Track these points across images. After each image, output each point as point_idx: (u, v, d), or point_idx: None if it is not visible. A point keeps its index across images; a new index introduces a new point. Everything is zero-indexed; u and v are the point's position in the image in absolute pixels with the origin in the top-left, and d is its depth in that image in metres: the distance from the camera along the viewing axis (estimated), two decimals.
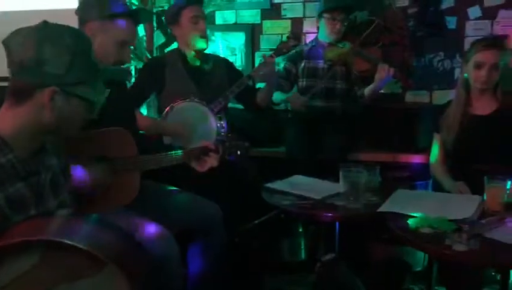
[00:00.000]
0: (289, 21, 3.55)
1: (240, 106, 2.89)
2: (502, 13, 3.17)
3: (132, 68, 3.26)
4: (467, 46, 2.31)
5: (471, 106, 2.24)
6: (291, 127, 3.08)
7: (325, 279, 2.17)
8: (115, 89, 1.89)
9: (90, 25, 1.81)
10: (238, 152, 2.08)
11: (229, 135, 2.17)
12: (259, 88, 2.73)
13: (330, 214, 1.94)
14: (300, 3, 3.54)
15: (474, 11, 3.22)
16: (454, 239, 1.52)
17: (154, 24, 3.38)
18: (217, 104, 2.53)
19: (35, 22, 1.23)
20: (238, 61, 3.67)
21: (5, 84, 1.23)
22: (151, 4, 3.34)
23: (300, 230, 2.78)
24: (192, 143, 2.08)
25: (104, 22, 1.81)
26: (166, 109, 2.51)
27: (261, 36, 3.63)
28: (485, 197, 1.83)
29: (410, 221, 1.70)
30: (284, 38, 2.68)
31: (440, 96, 3.28)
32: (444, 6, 3.26)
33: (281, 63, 3.26)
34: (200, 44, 2.61)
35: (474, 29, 3.21)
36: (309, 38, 3.42)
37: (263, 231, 2.69)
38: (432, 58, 3.33)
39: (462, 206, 1.81)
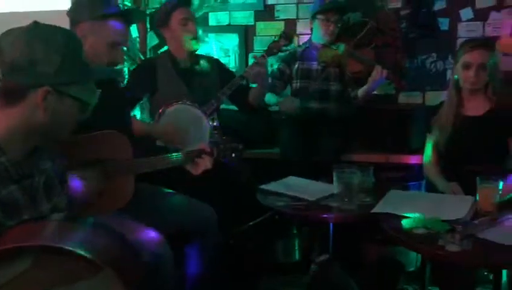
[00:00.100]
0: (282, 22, 3.56)
1: (234, 108, 2.89)
2: (493, 15, 3.20)
3: (125, 69, 3.25)
4: (462, 45, 2.34)
5: (463, 106, 2.25)
6: (285, 128, 3.09)
7: (319, 280, 2.17)
8: (108, 89, 1.88)
9: (82, 26, 1.80)
10: (233, 154, 2.09)
11: (224, 137, 2.17)
12: (251, 88, 2.74)
13: (324, 215, 1.95)
14: (294, 5, 3.54)
15: (466, 13, 3.24)
16: (447, 240, 1.53)
17: (148, 25, 3.37)
18: (210, 106, 2.53)
19: (26, 23, 1.23)
20: (231, 62, 3.67)
21: None
22: (144, 5, 3.33)
23: (295, 231, 2.78)
24: (185, 146, 2.07)
25: (96, 22, 1.81)
26: (159, 112, 2.49)
27: (254, 38, 3.64)
28: (477, 198, 1.84)
29: (403, 222, 1.71)
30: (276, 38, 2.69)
31: (433, 97, 3.30)
32: (436, 7, 3.28)
33: (274, 64, 3.27)
34: (191, 46, 2.61)
35: (466, 30, 3.24)
36: (302, 39, 3.43)
37: (258, 233, 2.69)
38: (424, 59, 3.35)
39: (455, 206, 1.82)
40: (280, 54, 2.87)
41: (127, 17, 1.91)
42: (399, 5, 3.34)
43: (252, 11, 3.62)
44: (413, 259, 2.56)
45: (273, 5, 3.58)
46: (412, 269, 2.59)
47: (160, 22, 2.65)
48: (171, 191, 2.11)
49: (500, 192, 1.81)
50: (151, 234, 1.77)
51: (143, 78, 2.60)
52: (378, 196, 2.00)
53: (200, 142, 2.16)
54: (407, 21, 3.33)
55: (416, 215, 1.72)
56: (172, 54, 2.65)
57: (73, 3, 1.98)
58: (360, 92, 2.95)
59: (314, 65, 3.09)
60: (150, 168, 1.88)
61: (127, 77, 3.05)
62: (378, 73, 2.81)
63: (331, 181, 2.01)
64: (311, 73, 3.10)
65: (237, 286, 2.46)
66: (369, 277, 2.50)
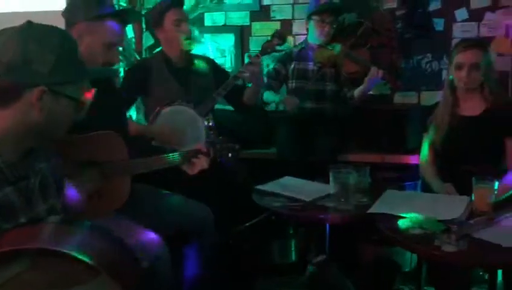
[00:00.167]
0: (278, 23, 3.56)
1: (230, 108, 2.89)
2: (488, 15, 3.21)
3: (121, 70, 3.24)
4: (455, 46, 2.35)
5: (459, 106, 2.25)
6: (281, 128, 3.09)
7: (316, 280, 2.18)
8: (104, 89, 1.87)
9: (78, 26, 1.79)
10: (229, 154, 2.09)
11: (220, 137, 2.16)
12: (246, 87, 2.74)
13: (321, 216, 1.95)
14: (289, 5, 3.55)
15: (461, 13, 3.26)
16: (443, 240, 1.53)
17: (143, 25, 3.37)
18: (205, 106, 2.52)
19: (20, 23, 1.22)
20: (227, 62, 3.67)
21: None
22: (139, 6, 3.32)
23: (291, 232, 2.78)
24: (182, 146, 2.07)
25: (91, 23, 1.80)
26: (155, 111, 2.49)
27: (250, 38, 3.64)
28: (473, 198, 1.84)
29: (399, 222, 1.71)
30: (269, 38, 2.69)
31: (428, 97, 3.31)
32: (431, 8, 3.30)
33: (270, 64, 3.28)
34: (185, 46, 2.61)
35: (462, 31, 3.25)
36: (298, 40, 3.43)
37: (254, 233, 2.69)
38: (419, 59, 3.37)
39: (450, 206, 1.83)
40: (275, 54, 2.88)
41: (122, 17, 1.90)
42: (394, 5, 3.35)
43: (248, 12, 3.62)
44: (409, 259, 2.57)
45: (268, 6, 3.58)
46: (408, 269, 2.59)
47: (153, 23, 2.65)
48: (167, 191, 2.11)
49: (496, 192, 1.82)
50: (148, 235, 1.76)
51: (137, 79, 2.59)
52: (374, 196, 2.00)
53: (196, 142, 2.16)
54: (403, 21, 3.34)
55: (413, 215, 1.72)
56: (167, 55, 2.65)
57: (68, 4, 1.98)
58: (356, 92, 2.97)
59: (310, 65, 3.10)
60: (146, 168, 1.88)
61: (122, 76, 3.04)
62: (375, 73, 2.82)
63: (327, 181, 2.02)
64: (307, 73, 3.10)
65: (234, 286, 2.46)
66: (365, 277, 2.50)
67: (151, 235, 1.76)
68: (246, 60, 3.56)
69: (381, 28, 3.32)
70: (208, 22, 3.70)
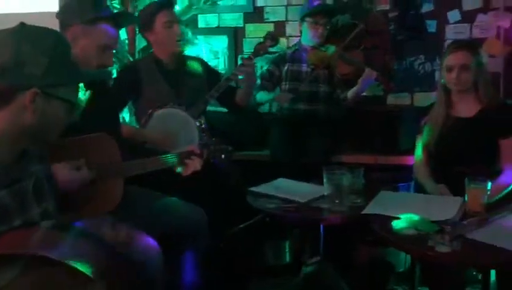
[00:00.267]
0: (272, 24, 3.57)
1: (222, 109, 2.89)
2: (480, 17, 3.23)
3: (114, 71, 3.23)
4: (446, 48, 2.37)
5: (453, 108, 2.26)
6: (274, 130, 3.10)
7: (310, 282, 2.18)
8: (97, 91, 1.87)
9: (72, 28, 1.79)
10: (223, 156, 2.09)
11: (214, 139, 2.16)
12: (239, 88, 2.74)
13: (315, 217, 1.95)
14: (283, 7, 3.55)
15: (453, 15, 3.28)
16: (437, 240, 1.54)
17: (136, 27, 3.35)
18: (197, 109, 2.51)
19: (13, 24, 1.22)
20: (221, 64, 3.67)
21: None
22: (133, 8, 3.31)
23: (286, 233, 2.78)
24: (174, 149, 2.06)
25: (86, 26, 1.79)
26: (148, 114, 2.47)
27: (244, 40, 3.64)
28: (466, 199, 1.85)
29: (393, 223, 1.71)
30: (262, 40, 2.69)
31: (421, 99, 3.33)
32: (424, 10, 3.32)
33: (264, 66, 3.28)
34: (177, 48, 2.59)
35: (454, 32, 3.28)
36: (292, 42, 3.44)
37: (248, 235, 2.69)
38: (412, 61, 3.38)
39: (444, 207, 1.84)
40: (268, 55, 2.88)
41: (117, 20, 1.90)
42: (387, 7, 3.37)
43: (241, 13, 3.62)
44: (403, 260, 2.58)
45: (262, 7, 3.59)
46: (402, 269, 2.60)
47: (143, 25, 2.61)
48: (161, 193, 2.10)
49: (489, 193, 1.83)
50: (141, 238, 1.75)
51: (128, 81, 2.56)
52: (368, 197, 2.00)
53: (189, 145, 2.16)
54: (395, 23, 3.36)
55: (406, 216, 1.72)
56: (158, 56, 2.62)
57: (63, 6, 1.97)
58: (350, 93, 2.98)
59: (304, 67, 3.11)
60: (139, 170, 1.87)
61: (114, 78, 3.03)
62: (368, 74, 2.84)
63: (321, 182, 2.02)
64: (301, 75, 3.11)
65: (228, 288, 2.46)
66: (360, 277, 2.51)
67: (143, 237, 1.75)
68: (240, 62, 3.57)
69: (375, 29, 3.34)
70: (201, 24, 3.70)
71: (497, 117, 2.16)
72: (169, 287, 1.96)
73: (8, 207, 1.17)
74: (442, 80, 2.25)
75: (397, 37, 3.36)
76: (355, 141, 3.20)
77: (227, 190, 2.52)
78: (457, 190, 1.92)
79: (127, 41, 3.32)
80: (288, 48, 3.31)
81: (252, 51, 2.67)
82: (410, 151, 2.45)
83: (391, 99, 3.43)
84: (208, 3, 3.52)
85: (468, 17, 3.25)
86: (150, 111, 2.46)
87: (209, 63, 3.00)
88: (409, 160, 2.51)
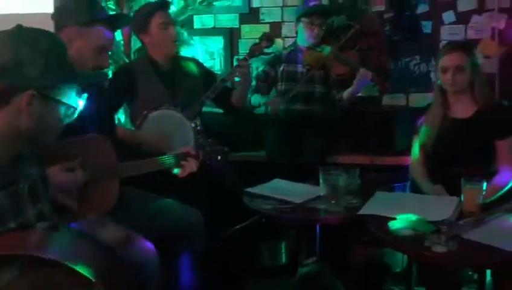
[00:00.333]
0: (267, 25, 3.57)
1: (218, 110, 2.88)
2: (475, 18, 3.25)
3: (109, 72, 3.22)
4: (441, 49, 2.38)
5: (450, 109, 2.27)
6: (270, 130, 3.09)
7: (306, 282, 2.18)
8: (93, 93, 1.86)
9: (68, 30, 1.77)
10: (219, 157, 2.09)
11: (209, 140, 2.16)
12: (234, 89, 2.73)
13: (311, 218, 1.95)
14: (279, 8, 3.56)
15: (448, 16, 3.29)
16: (433, 240, 1.54)
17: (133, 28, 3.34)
18: (192, 110, 2.51)
19: (9, 26, 1.21)
20: (216, 65, 3.67)
21: None
22: (128, 8, 3.30)
23: (282, 234, 2.78)
24: (170, 151, 2.06)
25: (82, 27, 1.78)
26: (143, 115, 2.46)
27: (239, 40, 3.64)
28: (462, 199, 1.86)
29: (390, 223, 1.71)
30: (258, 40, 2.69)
31: (416, 99, 3.35)
32: (419, 11, 3.33)
33: (260, 67, 3.28)
34: (172, 49, 2.58)
35: (449, 33, 3.29)
36: (288, 42, 3.44)
37: (244, 236, 2.68)
38: (408, 62, 3.40)
39: (440, 207, 1.84)
40: (264, 56, 2.88)
41: (113, 22, 1.89)
42: (383, 8, 3.37)
43: (237, 14, 3.62)
44: (399, 260, 2.58)
45: (258, 8, 3.59)
46: (398, 270, 2.61)
47: (139, 27, 2.58)
48: (157, 195, 2.09)
49: (484, 193, 1.83)
50: (137, 240, 1.75)
51: (123, 83, 2.54)
52: (364, 197, 2.01)
53: (185, 145, 2.15)
54: (391, 24, 3.37)
55: (403, 216, 1.73)
56: (153, 58, 2.60)
57: (58, 7, 1.96)
58: (345, 94, 2.98)
59: (299, 67, 3.11)
60: (135, 171, 1.87)
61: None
62: (364, 75, 2.84)
63: (317, 183, 2.02)
64: (296, 75, 3.11)
65: (224, 289, 2.45)
66: (356, 278, 2.51)
67: (141, 240, 1.75)
68: (236, 63, 3.56)
69: (370, 30, 3.35)
70: (197, 25, 3.69)
71: (493, 118, 2.16)
72: (166, 289, 1.95)
73: (3, 208, 1.17)
74: (439, 81, 2.26)
75: (392, 38, 3.37)
76: (350, 142, 3.20)
77: (223, 191, 2.51)
78: (455, 191, 1.93)
79: (122, 42, 3.31)
80: (284, 48, 3.32)
81: (248, 51, 2.67)
82: (406, 151, 2.46)
83: (386, 100, 3.44)
84: (203, 4, 3.52)
85: (463, 18, 3.27)
86: (145, 112, 2.45)
87: (205, 64, 3.00)
88: (405, 160, 2.52)
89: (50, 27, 1.49)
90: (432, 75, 3.27)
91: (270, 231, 2.76)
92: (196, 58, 3.11)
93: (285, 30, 3.55)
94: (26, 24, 1.22)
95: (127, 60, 3.26)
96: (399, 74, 3.39)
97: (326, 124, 3.09)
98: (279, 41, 3.45)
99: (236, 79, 2.65)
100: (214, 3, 3.59)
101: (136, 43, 3.35)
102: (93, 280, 1.02)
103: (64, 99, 1.23)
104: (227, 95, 2.68)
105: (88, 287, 1.02)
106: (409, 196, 2.22)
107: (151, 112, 2.45)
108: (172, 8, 3.12)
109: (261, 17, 3.59)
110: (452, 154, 2.20)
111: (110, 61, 2.09)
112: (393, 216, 1.75)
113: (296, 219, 2.03)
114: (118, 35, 3.28)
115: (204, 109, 2.68)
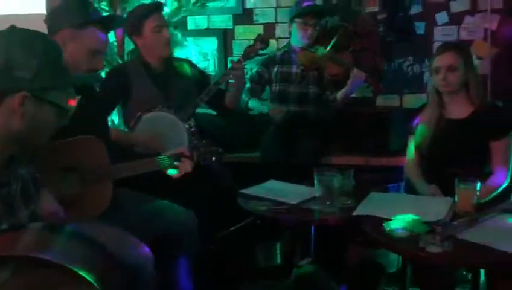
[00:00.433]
0: (261, 26, 3.57)
1: (212, 112, 2.88)
2: (468, 19, 3.27)
3: (103, 74, 3.20)
4: (435, 50, 2.39)
5: (445, 109, 2.27)
6: (264, 131, 3.09)
7: (301, 283, 2.18)
8: (86, 95, 1.85)
9: (61, 33, 1.76)
10: (213, 158, 2.08)
11: (204, 141, 2.16)
12: (227, 91, 2.73)
13: (306, 219, 1.95)
14: (272, 9, 3.56)
15: (441, 17, 3.31)
16: (428, 241, 1.54)
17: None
18: (186, 112, 2.50)
19: (4, 27, 1.20)
20: (210, 66, 3.66)
21: None
22: (121, 10, 3.29)
23: (277, 235, 2.78)
24: (164, 152, 2.05)
25: (75, 30, 1.77)
26: (137, 116, 2.45)
27: (233, 41, 3.64)
28: (456, 199, 1.86)
29: (384, 224, 1.71)
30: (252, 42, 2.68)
31: (410, 100, 3.36)
32: (412, 12, 3.34)
33: (254, 68, 3.28)
34: (165, 52, 2.56)
35: (442, 34, 3.31)
36: (282, 44, 3.44)
37: (239, 237, 2.68)
38: (401, 62, 3.41)
39: (434, 208, 1.84)
40: (257, 57, 2.88)
41: (106, 24, 1.88)
42: (376, 9, 3.38)
43: (231, 15, 3.62)
44: (393, 260, 2.59)
45: (251, 9, 3.59)
46: (393, 270, 2.61)
47: (132, 30, 2.55)
48: (151, 196, 2.08)
49: (478, 193, 1.84)
50: (132, 241, 1.74)
51: (116, 84, 2.52)
52: (358, 198, 2.01)
53: (178, 147, 2.15)
54: (384, 25, 3.38)
55: (397, 217, 1.73)
56: (145, 60, 2.58)
57: (51, 10, 1.94)
58: (339, 94, 2.99)
59: (293, 68, 3.11)
60: (129, 173, 1.86)
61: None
62: (357, 75, 2.85)
63: (312, 184, 2.02)
64: (290, 76, 3.11)
65: None
66: (350, 279, 2.51)
67: (133, 240, 1.74)
68: (229, 64, 3.55)
69: (363, 31, 3.36)
70: (190, 26, 3.68)
71: (488, 119, 2.17)
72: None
73: None
74: (431, 81, 2.26)
75: (386, 38, 3.38)
76: (345, 143, 3.21)
77: (218, 192, 2.50)
78: (450, 191, 1.92)
79: (115, 43, 3.30)
80: (278, 49, 3.32)
81: (242, 53, 2.66)
82: (400, 152, 2.46)
83: (380, 101, 3.45)
84: (197, 5, 3.51)
85: (456, 19, 3.28)
86: (139, 114, 2.44)
87: (199, 65, 3.00)
88: (399, 161, 2.52)
89: (43, 28, 1.48)
90: (426, 76, 3.29)
91: (264, 232, 2.75)
92: (189, 59, 3.10)
93: (279, 31, 3.55)
94: (27, 25, 1.22)
95: (120, 62, 3.25)
96: (392, 75, 3.40)
97: (320, 125, 3.10)
98: (273, 42, 3.45)
99: (230, 81, 2.64)
100: (208, 4, 3.59)
101: (129, 45, 3.33)
102: (90, 281, 1.01)
103: (58, 102, 1.22)
104: (221, 97, 2.68)
105: (83, 288, 1.02)
106: (404, 196, 2.22)
107: (145, 114, 2.44)
108: (166, 10, 3.13)
109: (254, 18, 3.59)
110: (447, 155, 2.21)
111: (104, 63, 2.09)
112: (387, 217, 1.75)
113: (290, 220, 2.03)
114: (112, 36, 3.26)
115: (199, 110, 2.68)
